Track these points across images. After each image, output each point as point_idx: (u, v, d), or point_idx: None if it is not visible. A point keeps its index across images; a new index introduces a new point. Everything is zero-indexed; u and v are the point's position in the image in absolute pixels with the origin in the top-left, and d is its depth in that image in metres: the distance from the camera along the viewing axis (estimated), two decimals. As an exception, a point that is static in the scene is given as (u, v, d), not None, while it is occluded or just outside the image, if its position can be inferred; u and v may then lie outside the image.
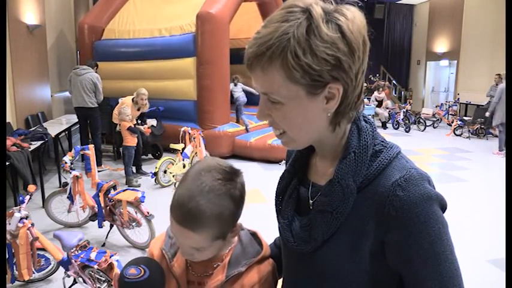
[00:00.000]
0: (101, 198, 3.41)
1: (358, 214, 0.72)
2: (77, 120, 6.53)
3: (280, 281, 0.95)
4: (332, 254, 0.74)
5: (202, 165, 0.84)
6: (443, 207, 0.71)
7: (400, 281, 0.73)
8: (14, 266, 2.57)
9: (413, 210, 0.67)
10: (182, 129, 5.61)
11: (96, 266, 2.43)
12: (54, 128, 5.56)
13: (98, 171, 5.82)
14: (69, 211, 3.80)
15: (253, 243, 0.95)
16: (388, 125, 11.24)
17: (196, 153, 5.58)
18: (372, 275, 0.73)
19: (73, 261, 2.50)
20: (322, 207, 0.74)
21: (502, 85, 7.49)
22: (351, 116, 0.75)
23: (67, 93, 8.64)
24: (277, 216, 0.87)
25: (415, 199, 0.67)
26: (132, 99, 5.62)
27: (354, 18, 0.66)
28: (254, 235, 0.98)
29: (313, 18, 0.64)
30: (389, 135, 9.50)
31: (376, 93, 11.36)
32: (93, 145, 4.26)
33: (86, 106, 6.01)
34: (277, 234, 1.09)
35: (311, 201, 0.79)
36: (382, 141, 0.76)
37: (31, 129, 5.09)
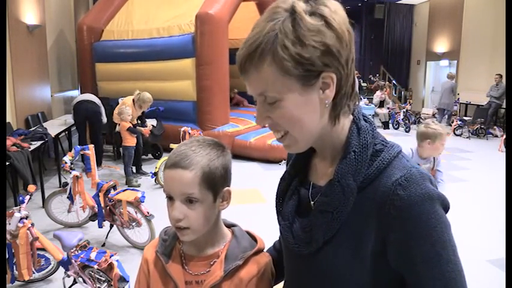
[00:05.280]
0: (101, 198, 3.41)
1: (359, 214, 0.71)
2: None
3: (281, 284, 0.95)
4: (333, 254, 0.74)
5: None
6: (446, 208, 0.70)
7: (402, 282, 0.72)
8: (14, 266, 2.57)
9: (414, 210, 0.66)
10: (182, 129, 5.60)
11: (96, 266, 2.43)
12: (54, 128, 5.56)
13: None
14: (69, 211, 3.80)
15: (248, 238, 0.96)
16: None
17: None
18: (374, 276, 0.72)
19: (73, 261, 2.50)
20: (322, 207, 0.74)
21: (445, 82, 10.56)
22: (348, 109, 0.75)
23: (67, 93, 8.69)
24: (278, 218, 0.86)
25: (416, 198, 0.66)
26: (133, 99, 5.58)
27: (336, 9, 0.69)
28: (247, 232, 1.00)
29: (297, 12, 0.66)
30: (389, 135, 9.48)
31: (378, 92, 11.31)
32: (93, 145, 4.24)
33: (92, 100, 6.05)
34: (277, 234, 1.09)
35: (312, 202, 0.79)
36: (383, 141, 0.76)
37: (31, 129, 5.09)
